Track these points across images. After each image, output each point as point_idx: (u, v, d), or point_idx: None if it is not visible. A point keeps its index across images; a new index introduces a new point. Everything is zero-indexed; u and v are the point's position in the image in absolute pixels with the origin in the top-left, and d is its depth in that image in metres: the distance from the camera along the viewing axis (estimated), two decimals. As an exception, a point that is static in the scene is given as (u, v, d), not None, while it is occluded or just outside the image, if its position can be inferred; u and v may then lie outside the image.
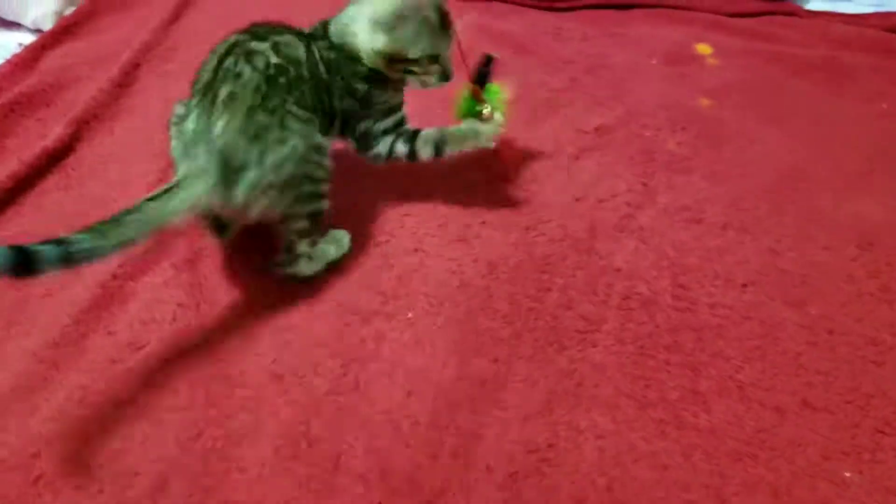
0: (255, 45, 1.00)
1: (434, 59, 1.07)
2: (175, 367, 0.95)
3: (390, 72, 1.07)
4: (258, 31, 1.03)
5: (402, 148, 1.11)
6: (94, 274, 1.05)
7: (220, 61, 0.99)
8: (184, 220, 0.93)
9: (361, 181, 1.25)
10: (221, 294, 1.04)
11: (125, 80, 1.46)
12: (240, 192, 0.95)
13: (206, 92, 0.97)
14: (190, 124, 0.97)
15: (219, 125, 0.94)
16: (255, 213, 0.98)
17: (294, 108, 0.99)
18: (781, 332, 0.99)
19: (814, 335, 0.99)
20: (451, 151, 1.12)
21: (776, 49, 1.60)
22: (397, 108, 1.12)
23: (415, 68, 1.07)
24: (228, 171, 0.94)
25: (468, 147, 1.12)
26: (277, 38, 1.02)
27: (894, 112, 1.42)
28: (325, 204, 1.04)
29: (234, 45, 1.00)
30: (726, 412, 0.90)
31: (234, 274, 1.07)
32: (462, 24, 1.11)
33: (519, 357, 0.97)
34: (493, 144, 1.13)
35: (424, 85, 1.09)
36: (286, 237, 1.03)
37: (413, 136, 1.11)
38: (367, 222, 1.17)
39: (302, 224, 1.03)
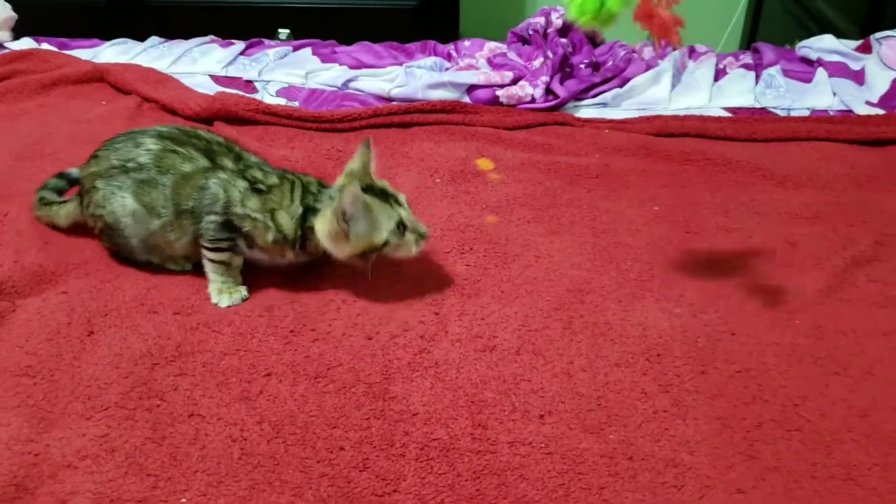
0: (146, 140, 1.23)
1: (401, 229, 1.16)
2: None
3: (366, 261, 1.18)
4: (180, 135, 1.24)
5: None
6: None
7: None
8: None
9: (129, 338, 1.13)
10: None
11: None
12: None
13: None
14: None
15: None
16: None
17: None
18: (583, 464, 0.96)
19: (615, 464, 0.96)
20: None
21: (553, 159, 1.65)
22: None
23: (389, 249, 1.16)
24: None
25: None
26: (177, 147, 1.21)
27: (665, 214, 1.48)
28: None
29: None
30: (536, 566, 0.85)
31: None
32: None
33: (311, 535, 0.87)
34: None
35: (409, 253, 1.18)
36: None
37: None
38: (135, 385, 1.05)
39: None
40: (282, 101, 1.84)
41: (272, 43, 2.15)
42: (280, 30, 2.90)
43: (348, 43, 2.19)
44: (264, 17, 2.92)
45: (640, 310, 1.22)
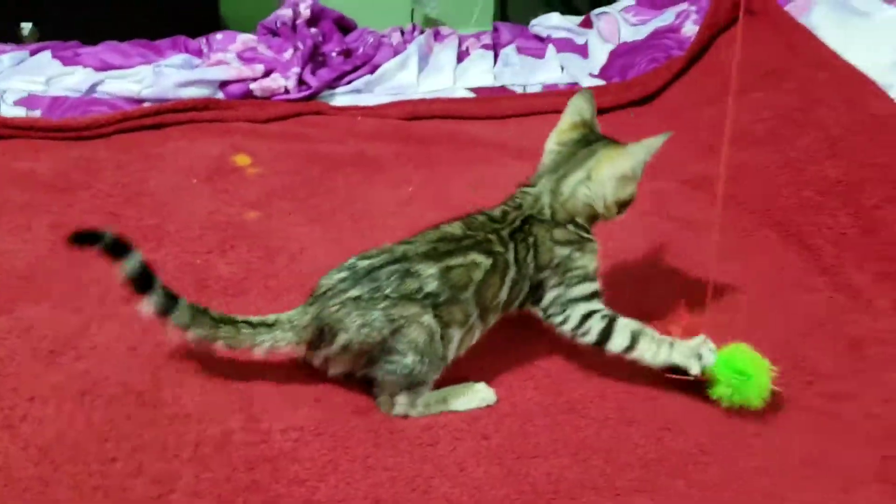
0: (420, 267, 1.06)
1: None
2: None
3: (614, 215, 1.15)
4: (440, 247, 1.09)
5: (597, 325, 1.12)
6: None
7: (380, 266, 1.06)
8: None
9: None
10: None
11: None
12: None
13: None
14: None
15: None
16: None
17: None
18: (351, 440, 1.04)
19: (378, 437, 1.05)
20: (643, 357, 1.11)
21: (310, 149, 1.71)
22: (593, 276, 1.14)
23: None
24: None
25: (670, 362, 1.10)
26: (453, 262, 1.07)
27: (419, 195, 1.59)
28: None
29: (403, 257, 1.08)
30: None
31: None
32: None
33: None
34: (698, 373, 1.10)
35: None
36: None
37: (612, 319, 1.12)
38: None
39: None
40: (21, 112, 1.76)
41: (6, 47, 2.02)
42: (23, 24, 2.71)
43: (102, 33, 2.10)
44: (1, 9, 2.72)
45: (397, 288, 1.32)
